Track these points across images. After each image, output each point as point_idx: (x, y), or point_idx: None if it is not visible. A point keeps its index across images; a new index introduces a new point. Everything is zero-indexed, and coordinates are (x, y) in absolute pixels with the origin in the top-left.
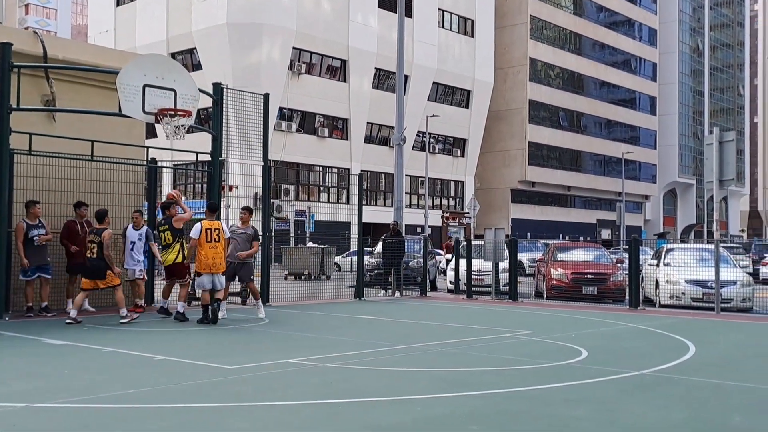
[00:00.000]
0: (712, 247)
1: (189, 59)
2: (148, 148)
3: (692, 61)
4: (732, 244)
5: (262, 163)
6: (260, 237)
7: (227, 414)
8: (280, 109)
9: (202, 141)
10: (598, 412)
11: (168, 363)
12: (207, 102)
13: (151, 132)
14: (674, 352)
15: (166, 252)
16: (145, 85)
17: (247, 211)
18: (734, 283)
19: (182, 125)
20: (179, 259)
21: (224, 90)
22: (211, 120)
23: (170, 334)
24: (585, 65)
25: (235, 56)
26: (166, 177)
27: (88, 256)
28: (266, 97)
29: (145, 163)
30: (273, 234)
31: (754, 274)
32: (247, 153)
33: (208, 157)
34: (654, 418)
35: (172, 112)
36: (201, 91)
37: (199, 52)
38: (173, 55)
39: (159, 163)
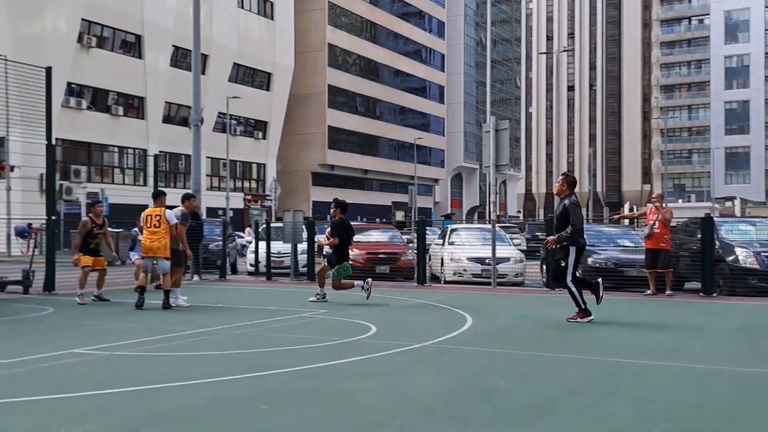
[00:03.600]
0: (490, 227)
1: None
2: None
3: (476, 53)
4: (508, 224)
5: (46, 142)
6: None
7: None
8: (69, 84)
9: None
10: (385, 384)
11: None
12: None
13: None
14: (454, 325)
15: None
16: None
17: None
18: (509, 260)
19: None
20: None
21: (2, 62)
22: None
23: None
24: (380, 53)
25: (14, 25)
26: None
27: None
28: (48, 70)
29: None
30: (62, 218)
31: (527, 251)
32: (31, 131)
33: None
34: (435, 386)
35: None
36: None
37: None
38: None
39: None
